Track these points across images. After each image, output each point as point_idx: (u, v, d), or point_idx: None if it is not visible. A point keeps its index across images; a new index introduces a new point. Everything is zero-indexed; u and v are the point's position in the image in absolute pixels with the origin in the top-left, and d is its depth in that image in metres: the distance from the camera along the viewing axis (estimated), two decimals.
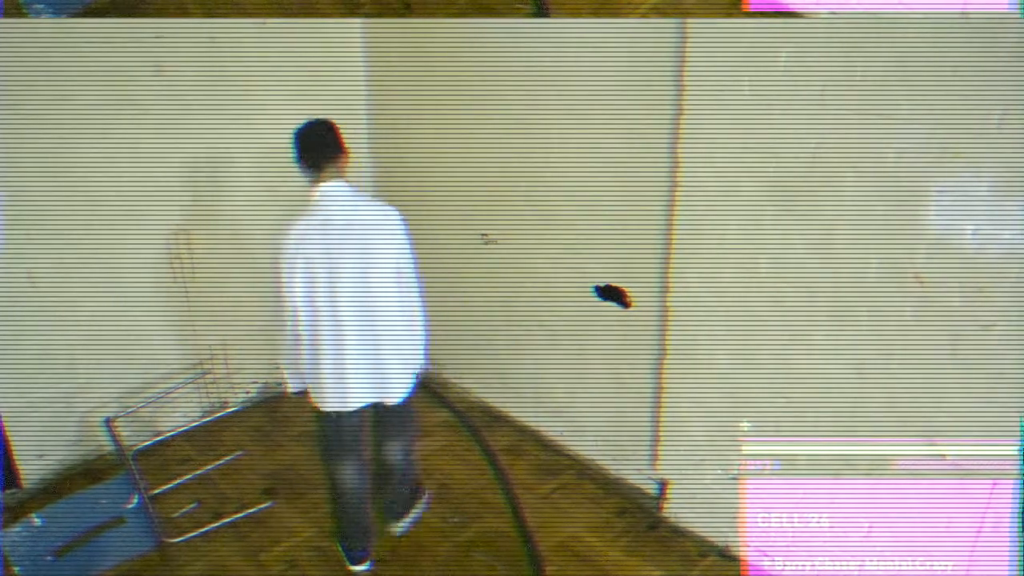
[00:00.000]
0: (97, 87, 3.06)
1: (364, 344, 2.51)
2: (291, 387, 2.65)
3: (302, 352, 2.53)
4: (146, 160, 3.24)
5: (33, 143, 2.97)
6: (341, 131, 2.52)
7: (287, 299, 2.46)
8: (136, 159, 3.22)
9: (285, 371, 2.64)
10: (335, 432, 2.66)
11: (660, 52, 2.59)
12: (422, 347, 2.69)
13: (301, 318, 2.47)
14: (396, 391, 2.64)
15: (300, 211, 2.47)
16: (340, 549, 2.86)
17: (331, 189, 2.46)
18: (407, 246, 2.54)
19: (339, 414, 2.60)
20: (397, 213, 2.53)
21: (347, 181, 2.50)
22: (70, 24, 2.95)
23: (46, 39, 2.92)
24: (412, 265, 2.58)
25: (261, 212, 3.66)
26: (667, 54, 2.57)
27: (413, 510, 3.01)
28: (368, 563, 2.83)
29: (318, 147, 2.45)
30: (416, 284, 2.61)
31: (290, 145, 2.49)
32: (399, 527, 2.97)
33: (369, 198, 2.56)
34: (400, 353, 2.60)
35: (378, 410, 2.71)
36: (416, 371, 2.71)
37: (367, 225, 2.47)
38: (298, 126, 2.49)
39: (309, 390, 2.61)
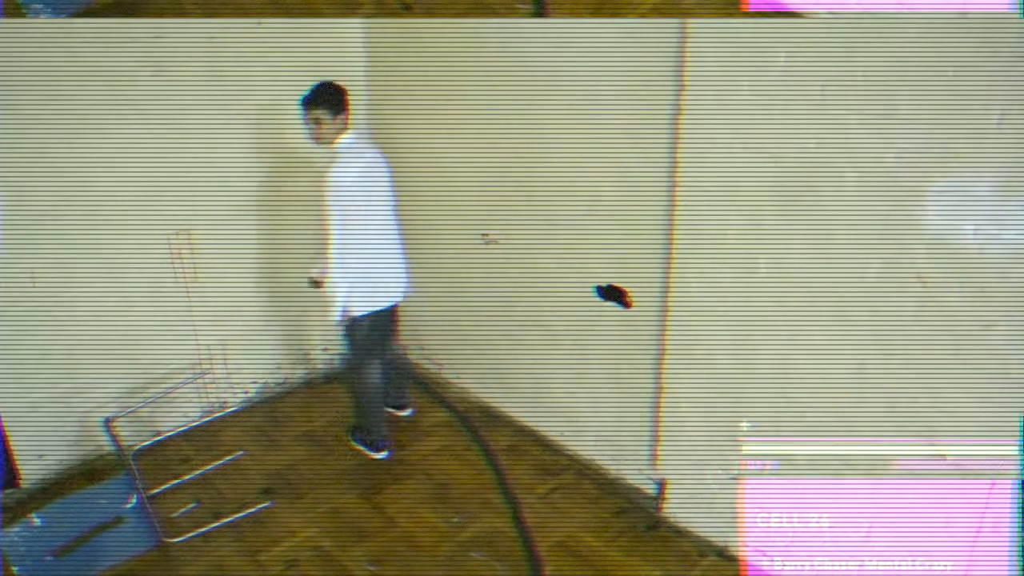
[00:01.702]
0: (96, 87, 3.05)
1: (397, 254, 3.31)
2: (339, 312, 3.16)
3: (359, 269, 3.10)
4: (146, 160, 3.24)
5: (33, 143, 2.96)
6: None
7: (350, 227, 3.01)
8: (136, 159, 3.21)
9: (339, 296, 3.11)
10: (372, 331, 3.31)
11: (660, 52, 2.59)
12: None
13: (359, 241, 3.06)
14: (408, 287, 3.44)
15: (340, 159, 3.01)
16: (361, 445, 3.50)
17: (358, 137, 3.14)
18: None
19: (377, 313, 3.28)
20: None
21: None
22: (69, 24, 2.95)
23: (45, 39, 2.91)
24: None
25: (261, 211, 3.67)
26: (667, 54, 2.57)
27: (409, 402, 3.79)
28: (389, 451, 3.48)
29: (345, 102, 3.04)
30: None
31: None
32: (406, 413, 3.75)
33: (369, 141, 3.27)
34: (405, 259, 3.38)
35: (391, 312, 3.43)
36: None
37: (383, 164, 3.22)
38: (315, 86, 3.03)
39: (358, 301, 3.16)
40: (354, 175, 3.01)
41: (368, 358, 3.38)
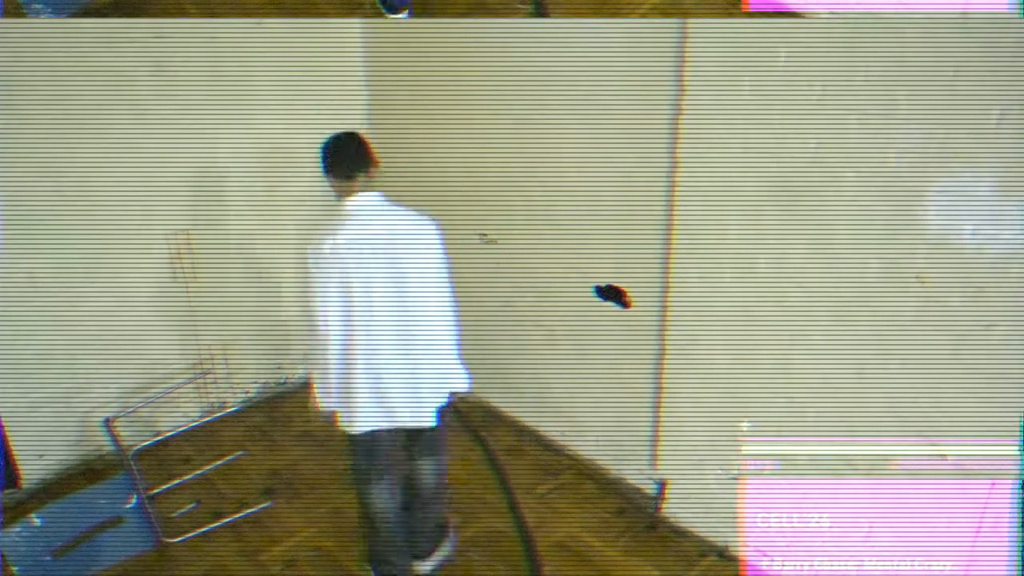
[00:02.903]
0: (97, 87, 3.05)
1: (400, 362, 2.44)
2: (322, 405, 2.51)
3: (334, 370, 2.44)
4: (146, 160, 3.24)
5: (33, 143, 2.97)
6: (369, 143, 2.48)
7: (321, 314, 2.38)
8: (136, 159, 3.22)
9: (317, 389, 2.50)
10: (367, 454, 2.55)
11: (660, 52, 2.59)
12: (457, 366, 2.55)
13: (335, 335, 2.39)
14: (430, 413, 2.52)
15: (331, 223, 2.39)
16: (373, 573, 2.75)
17: (365, 200, 2.42)
18: (443, 260, 2.46)
19: (373, 435, 2.51)
20: (433, 224, 2.45)
21: (378, 191, 2.46)
22: (70, 24, 2.95)
23: (46, 39, 2.92)
24: (446, 280, 2.47)
25: (261, 212, 3.68)
26: (667, 54, 2.57)
27: (439, 549, 2.80)
28: None
29: (350, 157, 2.42)
30: (450, 300, 2.49)
31: (315, 155, 2.45)
32: (424, 567, 2.77)
33: (403, 208, 2.46)
34: (436, 372, 2.50)
35: (410, 431, 2.58)
36: (450, 391, 2.57)
37: (403, 237, 2.40)
38: (325, 139, 2.45)
39: (338, 412, 2.49)
40: (329, 249, 2.41)
41: (361, 482, 2.66)
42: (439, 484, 2.73)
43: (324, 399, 2.50)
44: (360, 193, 2.42)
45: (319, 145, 2.44)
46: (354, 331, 2.38)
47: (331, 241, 2.35)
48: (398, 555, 2.70)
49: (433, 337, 2.46)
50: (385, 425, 2.49)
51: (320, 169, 2.43)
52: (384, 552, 2.69)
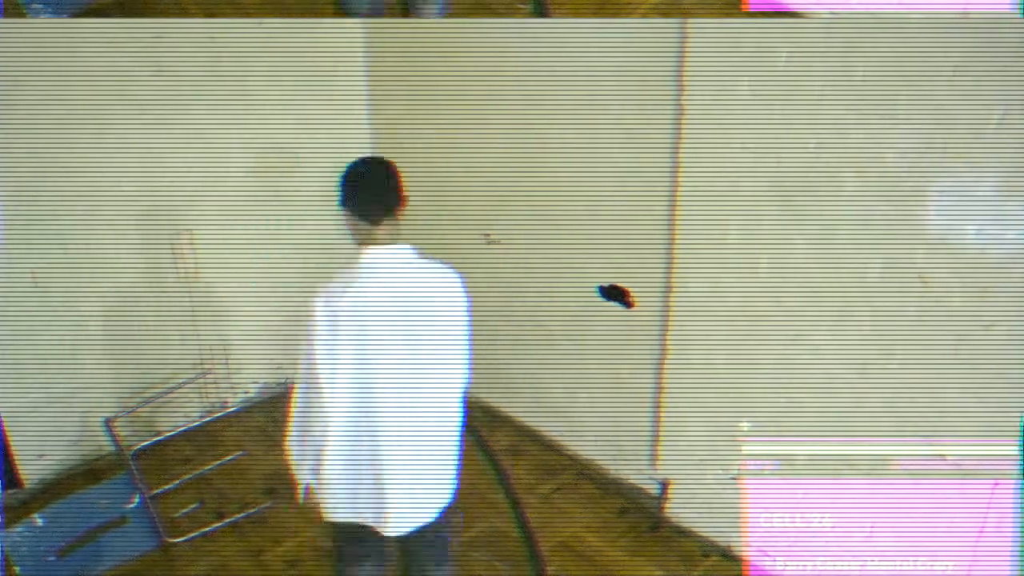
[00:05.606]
0: (97, 87, 3.05)
1: (409, 451, 2.00)
2: (312, 483, 2.15)
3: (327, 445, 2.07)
4: (147, 160, 3.24)
5: (34, 143, 2.96)
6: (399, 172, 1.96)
7: (326, 383, 1.96)
8: (137, 159, 3.21)
9: (301, 464, 2.19)
10: (352, 538, 2.18)
11: (660, 52, 2.59)
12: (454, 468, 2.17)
13: (337, 407, 1.98)
14: (429, 513, 2.10)
15: (347, 274, 1.93)
16: None
17: (391, 254, 1.93)
18: (465, 326, 2.08)
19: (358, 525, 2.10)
20: (459, 280, 2.04)
21: (408, 244, 1.97)
22: (70, 24, 2.94)
23: (46, 39, 2.91)
24: (466, 354, 2.12)
25: (262, 212, 3.67)
26: (667, 54, 2.57)
27: None
28: None
29: (379, 193, 1.91)
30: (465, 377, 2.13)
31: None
32: None
33: (430, 262, 2.00)
34: (443, 467, 2.12)
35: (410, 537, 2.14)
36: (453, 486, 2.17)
37: (429, 301, 1.96)
38: (348, 164, 1.95)
39: (324, 496, 2.13)
40: (338, 310, 1.92)
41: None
42: None
43: (310, 475, 2.16)
44: (385, 244, 1.93)
45: (339, 171, 1.94)
46: (360, 406, 1.96)
47: (348, 298, 1.88)
48: None
49: (447, 429, 2.07)
50: (374, 523, 2.07)
51: (337, 200, 1.93)
52: None
